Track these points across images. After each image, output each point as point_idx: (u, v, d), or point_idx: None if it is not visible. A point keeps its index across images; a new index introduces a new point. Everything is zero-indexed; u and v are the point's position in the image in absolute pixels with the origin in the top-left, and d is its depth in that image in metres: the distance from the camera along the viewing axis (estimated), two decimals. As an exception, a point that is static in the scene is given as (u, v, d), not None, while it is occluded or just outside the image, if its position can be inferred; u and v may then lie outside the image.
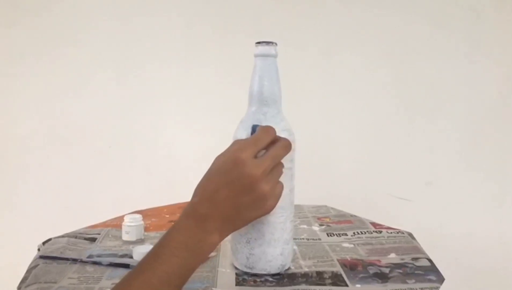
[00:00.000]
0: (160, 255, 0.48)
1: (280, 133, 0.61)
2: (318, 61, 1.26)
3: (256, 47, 0.61)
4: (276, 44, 0.62)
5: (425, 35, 1.24)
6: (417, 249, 0.73)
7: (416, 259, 0.69)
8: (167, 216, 0.91)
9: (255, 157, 0.51)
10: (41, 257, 0.70)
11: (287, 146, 0.55)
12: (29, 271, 0.66)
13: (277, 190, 0.53)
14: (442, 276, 0.63)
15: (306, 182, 1.08)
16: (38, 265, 0.67)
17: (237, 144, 0.53)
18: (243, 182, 0.49)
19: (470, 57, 1.24)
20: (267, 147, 0.53)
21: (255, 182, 0.49)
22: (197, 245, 0.49)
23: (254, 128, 0.58)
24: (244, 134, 0.61)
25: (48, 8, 1.26)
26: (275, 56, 0.62)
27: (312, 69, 1.26)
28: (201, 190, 0.51)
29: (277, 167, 0.53)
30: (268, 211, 0.52)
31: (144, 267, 0.48)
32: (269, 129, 0.54)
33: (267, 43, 0.61)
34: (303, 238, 0.78)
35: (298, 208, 0.95)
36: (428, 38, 1.24)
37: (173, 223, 0.52)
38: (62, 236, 0.78)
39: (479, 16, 1.22)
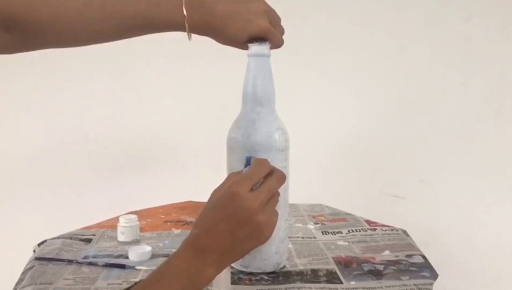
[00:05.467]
0: (160, 280, 0.49)
1: (274, 132, 0.62)
2: (312, 60, 1.27)
3: (249, 47, 0.62)
4: (269, 43, 0.62)
5: (418, 34, 1.25)
6: (411, 246, 0.73)
7: (410, 256, 0.69)
8: (162, 216, 0.91)
9: (251, 190, 0.52)
10: (37, 258, 0.70)
11: (282, 178, 0.56)
12: (24, 272, 0.66)
13: (273, 219, 0.54)
14: (436, 273, 0.64)
15: (301, 181, 1.08)
16: (34, 266, 0.67)
17: (233, 178, 0.54)
18: (240, 216, 0.51)
19: (462, 56, 1.25)
20: (263, 179, 0.54)
21: (251, 215, 0.51)
22: (196, 275, 0.50)
23: (248, 160, 0.59)
24: (239, 133, 0.61)
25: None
26: (268, 55, 0.62)
27: (305, 69, 1.26)
28: (200, 223, 0.53)
29: (273, 198, 0.55)
30: (264, 241, 0.53)
31: (145, 289, 0.49)
32: (264, 162, 0.56)
33: (260, 42, 0.61)
34: (298, 237, 0.78)
35: (293, 207, 0.95)
36: (421, 37, 1.25)
37: (172, 253, 0.53)
38: (57, 238, 0.78)
39: (470, 15, 1.23)
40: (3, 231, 1.31)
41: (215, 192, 0.54)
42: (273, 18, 0.61)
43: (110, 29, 0.58)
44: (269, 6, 0.61)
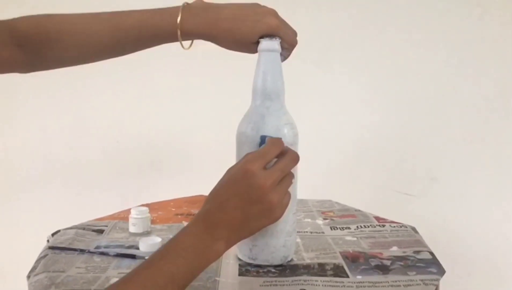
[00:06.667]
0: (166, 255, 0.50)
1: (283, 127, 0.62)
2: (324, 57, 1.27)
3: (260, 42, 0.62)
4: (279, 39, 0.62)
5: (430, 30, 1.24)
6: (420, 243, 0.73)
7: (418, 252, 0.69)
8: (174, 209, 0.92)
9: (264, 168, 0.53)
10: (50, 247, 0.72)
11: (295, 158, 0.57)
12: (38, 260, 0.68)
13: (284, 200, 0.55)
14: (443, 269, 0.64)
15: (311, 177, 1.09)
16: (47, 255, 0.69)
17: (247, 156, 0.55)
18: (253, 193, 0.51)
19: (474, 53, 1.23)
20: (276, 159, 0.55)
21: (264, 193, 0.51)
22: (203, 250, 0.50)
23: (263, 139, 0.59)
24: (249, 127, 0.62)
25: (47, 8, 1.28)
26: (278, 51, 0.63)
27: (317, 65, 1.26)
28: (212, 198, 0.53)
29: (286, 178, 0.55)
30: (274, 221, 0.54)
31: (150, 264, 0.49)
32: (278, 141, 0.57)
33: (271, 38, 0.62)
34: (306, 232, 0.79)
35: (303, 203, 0.96)
36: (432, 33, 1.24)
37: (183, 226, 0.54)
38: (71, 228, 0.80)
39: (484, 12, 1.22)
40: (20, 222, 1.34)
41: (230, 169, 0.55)
42: (282, 20, 0.62)
43: (116, 41, 0.60)
44: (274, 9, 0.61)
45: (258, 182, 0.51)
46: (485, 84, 1.24)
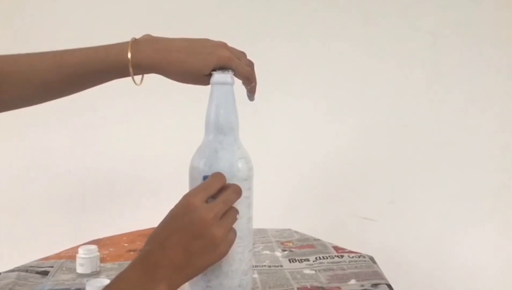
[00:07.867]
0: None
1: (237, 161, 0.60)
2: (280, 82, 1.27)
3: (212, 74, 0.61)
4: (232, 71, 0.61)
5: (382, 58, 1.27)
6: (378, 274, 0.73)
7: (376, 285, 0.69)
8: (126, 245, 0.88)
9: (206, 202, 0.51)
10: (-12, 294, 0.66)
11: (238, 191, 0.55)
12: (-27, 311, 0.62)
13: (229, 236, 0.52)
14: (401, 303, 0.63)
15: (270, 204, 1.07)
16: (-16, 303, 0.63)
17: (189, 191, 0.53)
18: (194, 227, 0.49)
19: (426, 80, 1.27)
20: (218, 193, 0.53)
21: (206, 227, 0.49)
22: None
23: (205, 179, 0.58)
24: (201, 162, 0.60)
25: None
26: (231, 83, 0.61)
27: (273, 92, 1.26)
28: (152, 238, 0.50)
29: (230, 213, 0.53)
30: (219, 257, 0.51)
31: None
32: (219, 175, 0.55)
33: (223, 70, 0.60)
34: (264, 265, 0.77)
35: (262, 232, 0.94)
36: (385, 60, 1.27)
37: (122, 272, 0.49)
38: (12, 270, 0.75)
39: (436, 40, 1.26)
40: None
41: (172, 208, 0.52)
42: (235, 52, 0.60)
43: (61, 77, 0.57)
44: (224, 42, 0.60)
45: (200, 215, 0.49)
46: (438, 110, 1.28)
